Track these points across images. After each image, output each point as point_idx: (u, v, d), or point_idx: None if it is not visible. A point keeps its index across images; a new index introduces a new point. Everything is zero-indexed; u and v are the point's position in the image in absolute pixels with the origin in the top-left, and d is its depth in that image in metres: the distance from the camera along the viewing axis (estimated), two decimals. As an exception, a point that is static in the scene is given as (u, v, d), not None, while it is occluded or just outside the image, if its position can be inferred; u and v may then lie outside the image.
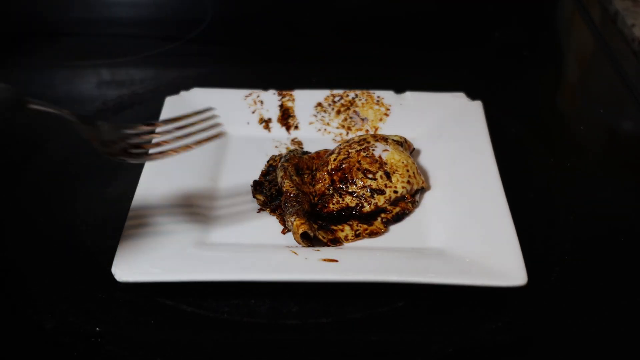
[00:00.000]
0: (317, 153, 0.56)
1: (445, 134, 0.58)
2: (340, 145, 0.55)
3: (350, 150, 0.53)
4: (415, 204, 0.52)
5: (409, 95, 0.63)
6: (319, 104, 0.62)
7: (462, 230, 0.49)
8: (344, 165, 0.52)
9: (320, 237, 0.48)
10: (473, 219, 0.49)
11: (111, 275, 0.45)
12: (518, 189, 0.53)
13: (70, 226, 0.52)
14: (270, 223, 0.50)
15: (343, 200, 0.51)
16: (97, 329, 0.44)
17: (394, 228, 0.50)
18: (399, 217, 0.51)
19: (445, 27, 0.84)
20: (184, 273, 0.45)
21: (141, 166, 0.53)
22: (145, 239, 0.47)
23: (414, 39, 0.82)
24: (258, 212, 0.51)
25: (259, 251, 0.47)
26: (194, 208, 0.50)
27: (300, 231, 0.46)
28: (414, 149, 0.57)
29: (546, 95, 0.73)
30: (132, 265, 0.45)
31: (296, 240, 0.47)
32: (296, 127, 0.60)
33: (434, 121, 0.60)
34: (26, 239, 0.51)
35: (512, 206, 0.50)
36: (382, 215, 0.50)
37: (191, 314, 0.45)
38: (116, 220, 0.51)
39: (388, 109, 0.61)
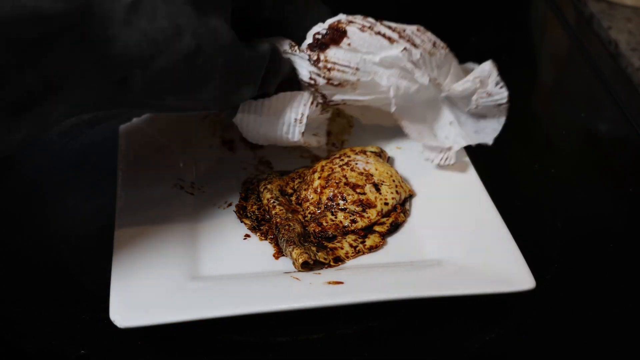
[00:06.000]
0: (296, 172, 0.55)
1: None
2: (320, 162, 0.54)
3: (332, 167, 0.52)
4: (406, 212, 0.51)
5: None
6: None
7: (457, 239, 0.48)
8: (330, 182, 0.51)
9: (322, 259, 0.47)
10: (466, 227, 0.49)
11: (94, 297, 0.44)
12: (503, 196, 0.52)
13: (48, 247, 0.50)
14: (262, 248, 0.49)
15: (336, 218, 0.50)
16: (82, 351, 0.43)
17: (390, 240, 0.50)
18: (394, 229, 0.50)
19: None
20: (192, 311, 0.42)
21: (114, 185, 0.51)
22: (136, 276, 0.44)
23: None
24: (245, 238, 0.49)
25: (261, 280, 0.45)
26: (180, 238, 0.48)
27: (301, 261, 0.45)
28: (389, 157, 0.57)
29: (526, 100, 0.73)
30: (131, 309, 0.42)
31: (296, 269, 0.46)
32: (261, 146, 0.56)
33: (400, 128, 0.59)
34: (3, 260, 0.49)
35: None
36: (377, 228, 0.49)
37: (178, 334, 0.43)
38: (95, 239, 0.49)
39: (350, 121, 0.61)
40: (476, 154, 0.55)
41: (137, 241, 0.47)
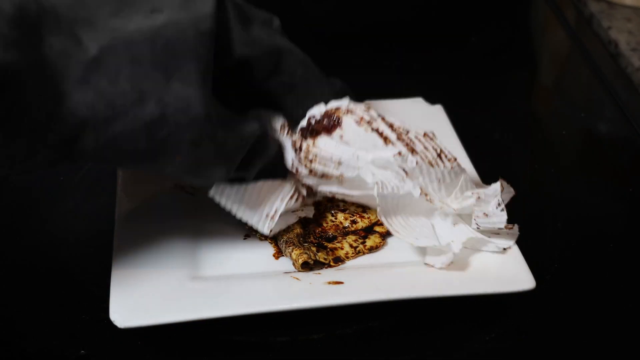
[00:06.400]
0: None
1: None
2: None
3: None
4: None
5: (365, 104, 0.62)
6: None
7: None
8: None
9: (322, 259, 0.47)
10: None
11: (94, 297, 0.44)
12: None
13: (48, 246, 0.50)
14: (262, 248, 0.49)
15: (336, 218, 0.50)
16: (82, 351, 0.42)
17: (390, 240, 0.49)
18: None
19: (421, 33, 0.84)
20: (192, 311, 0.42)
21: (114, 185, 0.51)
22: (136, 276, 0.44)
23: (389, 45, 0.81)
24: (245, 238, 0.49)
25: (261, 280, 0.45)
26: (180, 238, 0.48)
27: (301, 261, 0.45)
28: None
29: (526, 100, 0.73)
30: (131, 309, 0.42)
31: (296, 269, 0.46)
32: None
33: None
34: (3, 260, 0.49)
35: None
36: (377, 228, 0.49)
37: (178, 334, 0.43)
38: (95, 239, 0.49)
39: None
40: (476, 154, 0.55)
41: (137, 241, 0.47)
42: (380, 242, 0.49)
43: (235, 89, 0.46)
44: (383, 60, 0.77)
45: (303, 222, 0.49)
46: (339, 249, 0.48)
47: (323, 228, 0.49)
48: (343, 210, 0.50)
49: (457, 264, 0.46)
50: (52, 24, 0.35)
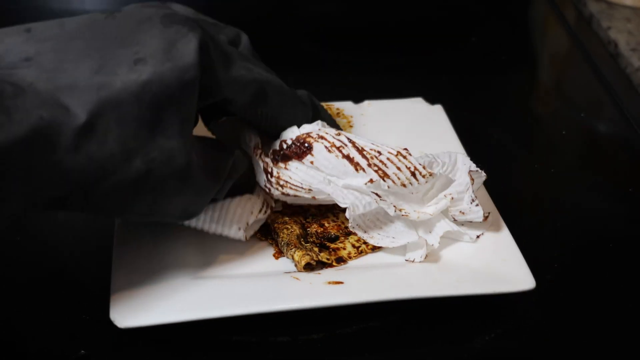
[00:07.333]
0: None
1: (413, 140, 0.57)
2: None
3: None
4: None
5: (366, 104, 0.62)
6: None
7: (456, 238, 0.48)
8: None
9: (324, 260, 0.47)
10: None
11: (94, 297, 0.44)
12: (504, 196, 0.52)
13: (48, 247, 0.50)
14: (262, 248, 0.48)
15: (338, 218, 0.50)
16: (82, 351, 0.42)
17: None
18: None
19: (422, 33, 0.84)
20: (192, 311, 0.42)
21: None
22: (136, 276, 0.44)
23: (389, 46, 0.81)
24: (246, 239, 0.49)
25: (261, 280, 0.45)
26: (179, 238, 0.48)
27: (303, 263, 0.45)
28: None
29: (526, 100, 0.73)
30: (131, 309, 0.42)
31: (298, 270, 0.46)
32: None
33: (399, 128, 0.59)
34: (3, 260, 0.49)
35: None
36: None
37: (178, 334, 0.43)
38: (95, 239, 0.49)
39: (350, 121, 0.60)
40: (476, 154, 0.55)
41: (138, 241, 0.47)
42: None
43: (212, 114, 0.48)
44: (383, 60, 0.77)
45: (302, 223, 0.49)
46: (342, 249, 0.48)
47: (325, 228, 0.49)
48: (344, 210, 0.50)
49: (458, 264, 0.46)
50: (35, 99, 0.35)
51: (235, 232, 0.47)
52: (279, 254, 0.48)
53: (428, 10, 0.85)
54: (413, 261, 0.46)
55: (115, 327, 0.41)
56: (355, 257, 0.48)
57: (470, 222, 0.47)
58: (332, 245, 0.48)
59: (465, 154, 0.49)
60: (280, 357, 0.43)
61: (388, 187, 0.45)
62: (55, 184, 0.36)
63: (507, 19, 0.87)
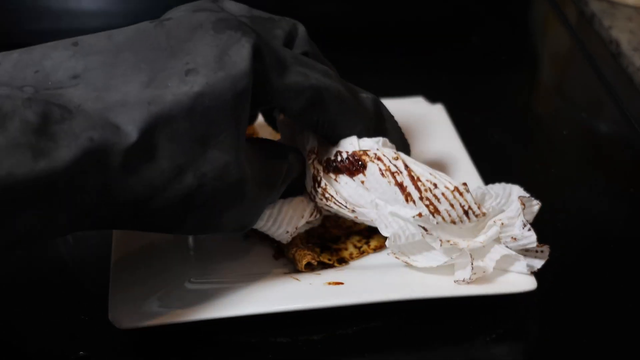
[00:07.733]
0: None
1: (415, 139, 0.57)
2: None
3: None
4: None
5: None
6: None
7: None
8: None
9: (326, 260, 0.47)
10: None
11: (93, 297, 0.44)
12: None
13: (47, 247, 0.50)
14: (262, 248, 0.48)
15: (339, 218, 0.49)
16: (82, 352, 0.42)
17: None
18: None
19: (422, 33, 0.84)
20: (192, 312, 0.42)
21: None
22: (136, 276, 0.44)
23: (389, 46, 0.81)
24: (245, 238, 0.49)
25: (261, 281, 0.45)
26: (179, 238, 0.48)
27: (304, 262, 0.45)
28: None
29: (526, 100, 0.73)
30: (131, 309, 0.42)
31: (299, 270, 0.46)
32: None
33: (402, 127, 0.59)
34: (3, 260, 0.49)
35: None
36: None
37: (177, 334, 0.43)
38: (95, 238, 0.49)
39: None
40: (476, 154, 0.55)
41: (137, 241, 0.47)
42: (385, 242, 0.49)
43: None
44: (383, 60, 0.77)
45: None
46: (343, 250, 0.48)
47: (326, 228, 0.49)
48: None
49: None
50: (83, 122, 0.34)
51: (282, 234, 0.45)
52: (278, 254, 0.48)
53: (428, 10, 0.85)
54: (463, 280, 0.43)
55: (114, 328, 0.41)
56: (357, 257, 0.48)
57: (526, 249, 0.45)
58: (334, 246, 0.48)
59: (521, 188, 0.46)
60: (280, 357, 0.43)
61: (437, 223, 0.43)
62: (104, 205, 0.35)
63: (507, 19, 0.87)
